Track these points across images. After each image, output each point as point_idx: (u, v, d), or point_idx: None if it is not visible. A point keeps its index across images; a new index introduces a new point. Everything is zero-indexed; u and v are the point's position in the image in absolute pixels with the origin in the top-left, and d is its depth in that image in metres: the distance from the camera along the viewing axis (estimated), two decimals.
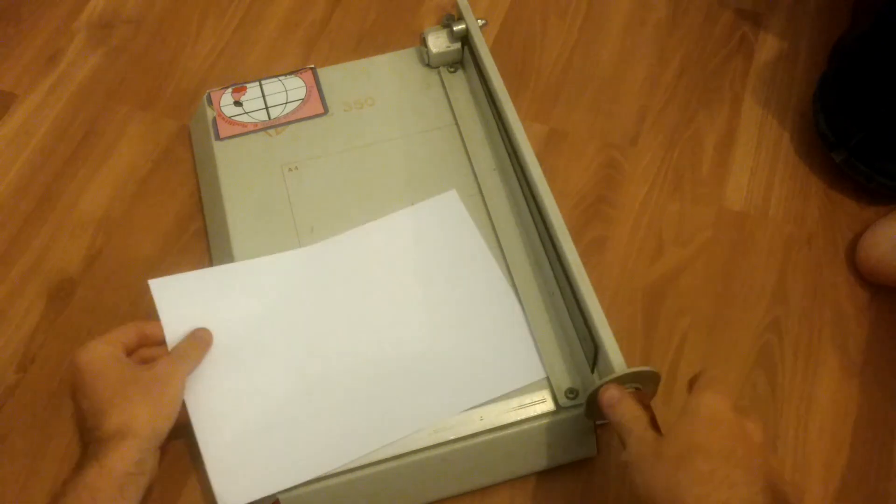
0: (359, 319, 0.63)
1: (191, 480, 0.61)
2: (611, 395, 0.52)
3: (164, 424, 0.56)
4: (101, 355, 0.57)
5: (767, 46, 0.81)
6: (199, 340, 0.60)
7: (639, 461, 0.48)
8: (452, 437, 0.57)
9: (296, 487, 0.56)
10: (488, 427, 0.58)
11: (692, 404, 0.48)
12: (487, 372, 0.60)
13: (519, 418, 0.58)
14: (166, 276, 0.63)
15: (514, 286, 0.64)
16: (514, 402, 0.59)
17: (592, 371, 0.58)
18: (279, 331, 0.62)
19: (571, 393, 0.58)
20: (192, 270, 0.64)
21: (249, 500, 0.55)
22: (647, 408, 0.51)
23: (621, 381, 0.53)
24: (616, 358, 0.54)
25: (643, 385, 0.53)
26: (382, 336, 0.62)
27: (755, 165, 0.75)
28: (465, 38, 0.73)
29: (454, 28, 0.72)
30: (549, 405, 0.58)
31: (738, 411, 0.48)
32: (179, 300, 0.62)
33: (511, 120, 0.65)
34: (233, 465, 0.57)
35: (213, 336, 0.61)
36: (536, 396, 0.59)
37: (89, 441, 0.55)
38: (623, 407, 0.51)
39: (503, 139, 0.68)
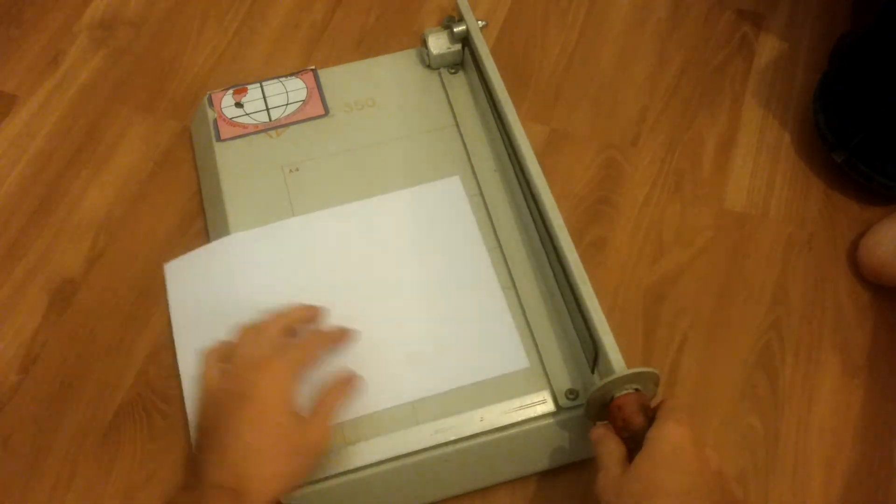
0: (353, 290, 0.64)
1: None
2: (596, 433, 0.53)
3: (287, 492, 0.52)
4: (281, 391, 0.52)
5: (768, 47, 0.81)
6: (350, 392, 0.57)
7: (603, 495, 0.50)
8: (453, 438, 0.57)
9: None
10: (489, 428, 0.58)
11: (653, 438, 0.49)
12: (469, 355, 0.61)
13: (519, 419, 0.58)
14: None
15: (514, 286, 0.64)
16: (515, 402, 0.59)
17: (593, 372, 0.58)
18: (278, 299, 0.61)
19: (572, 394, 0.58)
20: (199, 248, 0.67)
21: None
22: (640, 418, 0.52)
23: (621, 382, 0.53)
24: (616, 359, 0.54)
25: (643, 386, 0.53)
26: (373, 309, 0.63)
27: (756, 166, 0.75)
28: (465, 40, 0.73)
29: (454, 29, 0.72)
30: (549, 406, 0.58)
31: (697, 440, 0.49)
32: (188, 280, 0.65)
33: (511, 121, 0.65)
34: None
35: (218, 309, 0.60)
36: (537, 397, 0.59)
37: (206, 472, 0.50)
38: (603, 443, 0.52)
39: (503, 140, 0.68)
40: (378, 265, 0.65)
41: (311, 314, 0.60)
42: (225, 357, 0.56)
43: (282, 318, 0.57)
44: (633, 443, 0.51)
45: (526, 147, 0.63)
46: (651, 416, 0.52)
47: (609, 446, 0.52)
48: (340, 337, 0.60)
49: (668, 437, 0.49)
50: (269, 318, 0.57)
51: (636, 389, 0.53)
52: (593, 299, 0.56)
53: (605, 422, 0.55)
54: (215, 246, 0.67)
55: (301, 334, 0.58)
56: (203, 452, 0.52)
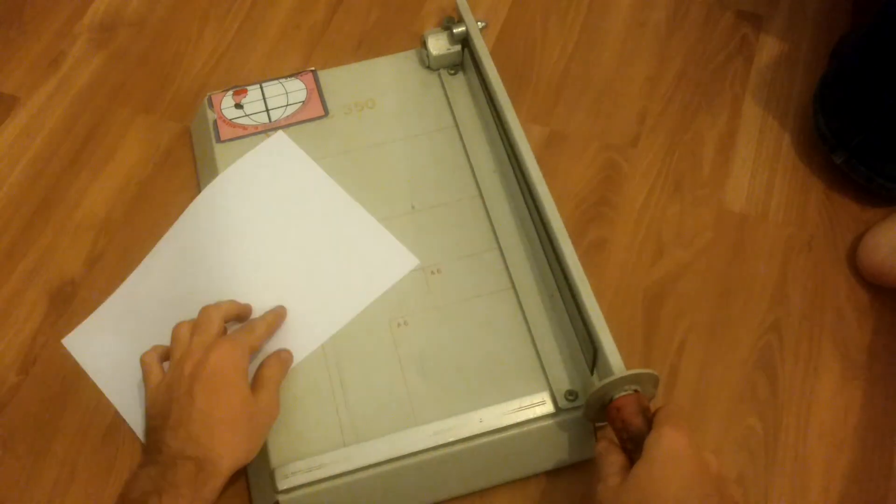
0: (239, 270, 0.65)
1: None
2: (600, 446, 0.53)
3: (245, 462, 0.54)
4: (234, 365, 0.55)
5: (768, 48, 0.81)
6: (285, 363, 0.60)
7: (604, 496, 0.50)
8: (452, 439, 0.57)
9: (292, 489, 0.56)
10: (488, 429, 0.58)
11: (650, 445, 0.49)
12: (364, 273, 0.65)
13: (518, 420, 0.58)
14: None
15: (513, 287, 0.64)
16: (514, 403, 0.59)
17: (592, 373, 0.58)
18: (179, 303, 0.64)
19: (571, 395, 0.58)
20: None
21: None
22: (640, 421, 0.52)
23: (620, 383, 0.53)
24: (615, 360, 0.54)
25: (642, 387, 0.53)
26: (267, 278, 0.65)
27: (755, 167, 0.75)
28: (465, 41, 0.73)
29: (454, 30, 0.72)
30: (548, 407, 0.58)
31: (695, 445, 0.49)
32: (92, 344, 0.67)
33: (511, 122, 0.65)
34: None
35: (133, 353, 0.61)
36: (536, 398, 0.59)
37: (167, 445, 0.52)
38: (605, 456, 0.52)
39: (503, 141, 0.68)
40: (250, 238, 0.67)
41: (244, 311, 0.61)
42: (164, 356, 0.58)
43: (216, 309, 0.59)
44: (633, 444, 0.51)
45: (525, 148, 0.64)
46: (650, 417, 0.52)
47: (610, 458, 0.52)
48: (277, 318, 0.62)
49: (666, 443, 0.49)
50: (204, 312, 0.59)
51: (635, 390, 0.53)
52: (592, 300, 0.56)
53: (605, 424, 0.55)
54: (100, 311, 0.67)
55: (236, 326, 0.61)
56: (160, 432, 0.53)
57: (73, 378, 0.65)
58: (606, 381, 0.53)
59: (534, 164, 0.63)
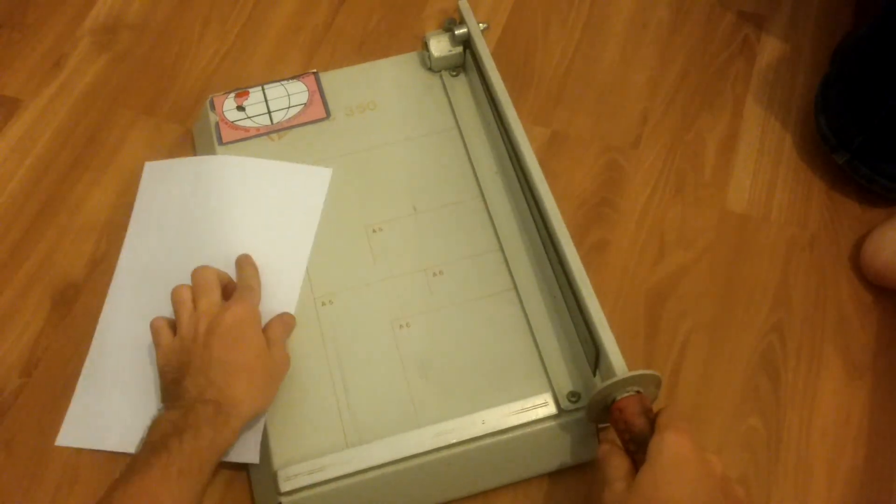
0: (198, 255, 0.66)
1: None
2: (602, 449, 0.53)
3: (262, 410, 0.56)
4: (250, 320, 0.57)
5: (769, 49, 0.81)
6: (288, 324, 0.61)
7: (610, 500, 0.50)
8: (454, 441, 0.57)
9: (295, 491, 0.56)
10: (490, 430, 0.58)
11: (653, 449, 0.49)
12: (296, 209, 0.67)
13: (521, 422, 0.58)
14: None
15: (515, 288, 0.64)
16: (517, 405, 0.59)
17: (594, 374, 0.58)
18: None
19: (573, 396, 0.58)
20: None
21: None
22: (641, 426, 0.52)
23: (622, 384, 0.53)
24: (617, 361, 0.54)
25: (644, 388, 0.53)
26: (222, 254, 0.65)
27: (757, 168, 0.75)
28: (466, 42, 0.73)
29: (456, 32, 0.72)
30: (551, 408, 0.58)
31: (698, 447, 0.49)
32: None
33: (512, 123, 0.65)
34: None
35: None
36: (538, 399, 0.59)
37: (187, 391, 0.54)
38: (608, 459, 0.52)
39: (505, 142, 0.68)
40: (227, 230, 0.67)
41: (227, 277, 0.63)
42: (171, 323, 0.60)
43: (209, 270, 0.60)
44: (635, 445, 0.51)
45: (527, 149, 0.64)
46: (653, 418, 0.52)
47: (614, 462, 0.52)
48: (254, 269, 0.64)
49: (669, 446, 0.49)
50: (200, 274, 0.60)
51: (637, 391, 0.53)
52: (594, 301, 0.56)
53: (608, 425, 0.55)
54: (77, 394, 0.66)
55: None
56: (178, 382, 0.55)
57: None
58: (608, 382, 0.53)
59: (535, 165, 0.63)
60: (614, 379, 0.52)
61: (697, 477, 0.48)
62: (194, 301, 0.59)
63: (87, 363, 0.65)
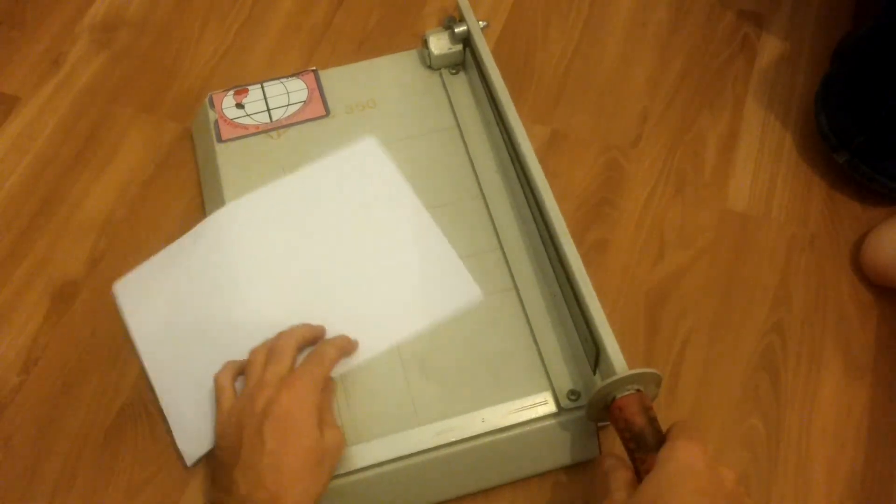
0: (302, 265, 0.65)
1: (193, 480, 0.61)
2: (606, 462, 0.52)
3: (314, 501, 0.53)
4: (305, 406, 0.54)
5: (770, 47, 0.81)
6: (332, 391, 0.59)
7: None
8: (455, 439, 0.57)
9: None
10: (490, 429, 0.58)
11: (663, 456, 0.48)
12: (425, 298, 0.63)
13: (521, 420, 0.58)
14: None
15: (515, 287, 0.64)
16: (517, 403, 0.59)
17: (594, 373, 0.58)
18: (225, 286, 0.65)
19: (573, 395, 0.58)
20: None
21: (209, 448, 0.59)
22: (644, 425, 0.51)
23: (622, 382, 0.53)
24: (617, 359, 0.54)
25: (644, 387, 0.53)
26: (326, 278, 0.64)
27: (757, 167, 0.75)
28: (466, 40, 0.73)
29: (455, 30, 0.72)
30: (550, 407, 0.58)
31: (710, 458, 0.47)
32: (139, 293, 0.66)
33: (512, 122, 0.65)
34: (191, 420, 0.60)
35: (168, 310, 0.63)
36: (538, 398, 0.59)
37: (237, 485, 0.52)
38: (611, 472, 0.51)
39: (505, 141, 0.68)
40: (320, 236, 0.66)
41: (317, 334, 0.61)
42: (236, 376, 0.59)
43: (291, 336, 0.59)
44: (636, 443, 0.51)
45: (527, 147, 0.63)
46: (653, 417, 0.52)
47: (617, 475, 0.50)
48: (350, 347, 0.61)
49: (679, 455, 0.47)
50: (280, 337, 0.59)
51: (638, 390, 0.53)
52: (594, 300, 0.56)
53: (608, 424, 0.55)
54: (158, 257, 0.67)
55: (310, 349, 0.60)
56: (230, 470, 0.53)
57: (75, 379, 0.65)
58: (608, 381, 0.53)
59: (535, 163, 0.63)
60: (614, 377, 0.52)
61: (706, 488, 0.46)
62: (266, 365, 0.57)
63: (175, 245, 0.66)
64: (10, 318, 0.68)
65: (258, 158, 0.70)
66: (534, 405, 0.58)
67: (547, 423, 0.58)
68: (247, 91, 0.74)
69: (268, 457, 0.52)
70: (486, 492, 0.60)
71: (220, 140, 0.71)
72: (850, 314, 0.67)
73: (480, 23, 0.72)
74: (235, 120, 0.72)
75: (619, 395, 0.53)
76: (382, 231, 0.66)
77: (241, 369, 0.59)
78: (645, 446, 0.50)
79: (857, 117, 0.69)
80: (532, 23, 0.84)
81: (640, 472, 0.50)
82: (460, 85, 0.74)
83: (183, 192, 0.74)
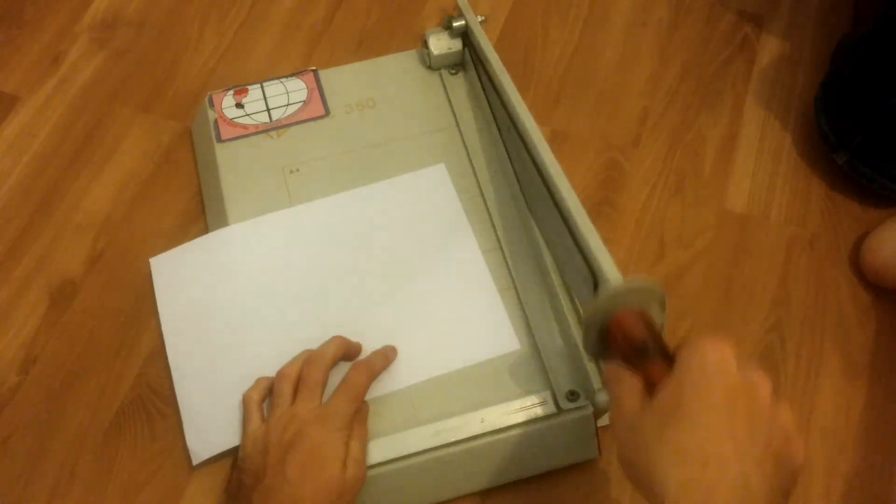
0: (344, 283, 0.64)
1: (192, 481, 0.61)
2: (609, 369, 0.46)
3: None
4: (330, 446, 0.52)
5: (769, 48, 0.81)
6: (364, 421, 0.58)
7: (618, 433, 0.42)
8: (454, 439, 0.57)
9: None
10: (489, 429, 0.58)
11: (684, 356, 0.40)
12: (462, 339, 0.61)
13: (520, 420, 0.58)
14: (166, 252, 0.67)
15: (514, 287, 0.64)
16: (516, 403, 0.58)
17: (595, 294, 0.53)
18: (265, 291, 0.64)
19: (573, 395, 0.58)
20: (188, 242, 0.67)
21: (218, 452, 0.59)
22: (650, 347, 0.44)
23: (621, 298, 0.48)
24: (611, 271, 0.50)
25: (647, 307, 0.49)
26: (367, 300, 0.63)
27: (757, 167, 0.75)
28: (465, 38, 0.73)
29: (454, 24, 0.72)
30: (550, 407, 0.58)
31: (742, 360, 0.39)
32: (175, 274, 0.65)
33: (516, 105, 0.63)
34: (205, 420, 0.60)
35: (193, 302, 0.62)
36: (538, 398, 0.59)
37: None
38: (616, 380, 0.45)
39: (504, 140, 0.68)
40: (368, 255, 0.65)
41: (351, 352, 0.60)
42: (266, 396, 0.58)
43: (323, 361, 0.57)
44: (638, 357, 0.45)
45: (532, 126, 0.61)
46: (657, 331, 0.45)
47: (624, 381, 0.43)
48: (385, 361, 0.60)
49: (706, 352, 0.39)
50: (312, 363, 0.57)
51: (642, 311, 0.48)
52: (583, 217, 0.54)
53: (607, 412, 0.53)
54: (204, 240, 0.67)
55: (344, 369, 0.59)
56: (248, 492, 0.53)
57: (74, 378, 0.65)
58: (604, 295, 0.47)
59: (540, 138, 0.60)
60: (611, 291, 0.48)
61: (736, 397, 0.37)
62: (295, 394, 0.56)
63: (221, 231, 0.66)
64: (9, 317, 0.68)
65: (258, 158, 0.70)
66: (533, 405, 0.58)
67: (546, 423, 0.58)
68: (246, 91, 0.74)
69: (289, 486, 0.51)
70: (485, 492, 0.60)
71: (219, 140, 0.71)
72: (849, 315, 0.67)
73: (479, 17, 0.72)
74: (235, 120, 0.72)
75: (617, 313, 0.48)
76: (434, 262, 0.65)
77: (270, 389, 0.58)
78: (648, 354, 0.44)
79: (857, 118, 0.69)
80: (532, 23, 0.84)
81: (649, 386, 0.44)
82: (460, 85, 0.74)
83: (182, 191, 0.74)
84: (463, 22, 0.72)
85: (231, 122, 0.72)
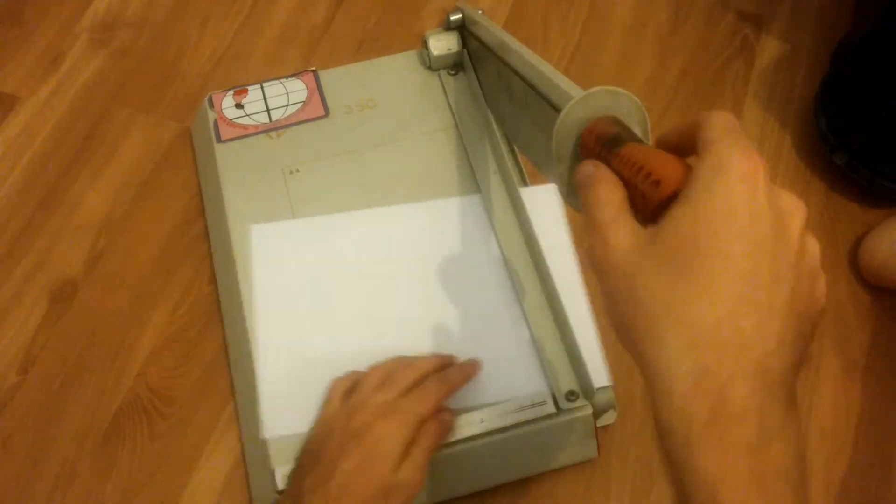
0: (396, 291, 0.64)
1: (192, 480, 0.61)
2: (582, 170, 0.35)
3: None
4: (395, 442, 0.52)
5: (769, 49, 0.81)
6: (442, 430, 0.56)
7: (608, 276, 0.32)
8: (453, 440, 0.57)
9: None
10: (489, 429, 0.58)
11: (706, 168, 0.31)
12: (494, 376, 0.60)
13: (519, 420, 0.58)
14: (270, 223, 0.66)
15: (513, 287, 0.64)
16: (515, 404, 0.58)
17: None
18: (344, 285, 0.64)
19: (572, 395, 0.58)
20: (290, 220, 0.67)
21: (290, 433, 0.58)
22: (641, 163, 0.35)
23: (593, 100, 0.40)
24: (575, 88, 0.43)
25: (627, 121, 0.40)
26: (403, 318, 0.63)
27: None
28: (465, 39, 0.73)
29: (451, 17, 0.71)
30: (549, 408, 0.58)
31: (769, 179, 0.31)
32: (277, 247, 0.65)
33: (532, 59, 0.58)
34: (285, 398, 0.59)
35: (291, 280, 0.62)
36: (537, 399, 0.59)
37: (303, 488, 0.52)
38: (593, 185, 0.34)
39: (504, 140, 0.68)
40: (417, 273, 0.65)
41: (443, 364, 0.59)
42: (351, 390, 0.57)
43: (414, 370, 0.57)
44: (608, 147, 0.37)
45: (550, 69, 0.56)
46: (628, 133, 0.36)
47: (601, 187, 0.33)
48: (464, 380, 0.59)
49: (731, 167, 0.30)
50: (405, 366, 0.57)
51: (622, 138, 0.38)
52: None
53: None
54: (308, 222, 0.67)
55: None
56: (302, 478, 0.53)
57: (74, 378, 0.65)
58: (571, 102, 0.39)
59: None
60: (576, 97, 0.40)
61: (764, 234, 0.30)
62: (377, 388, 0.56)
63: (329, 218, 0.66)
64: (9, 317, 0.68)
65: (257, 159, 0.70)
66: (532, 406, 0.58)
67: (546, 423, 0.58)
68: (246, 91, 0.74)
69: (341, 474, 0.51)
70: (484, 492, 0.60)
71: (219, 140, 0.71)
72: (847, 315, 0.67)
73: (478, 11, 0.72)
74: (235, 120, 0.72)
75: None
76: (477, 292, 0.64)
77: (357, 382, 0.58)
78: (622, 140, 0.36)
79: (857, 119, 0.69)
80: (532, 23, 0.84)
81: (633, 187, 0.35)
82: (459, 86, 0.74)
83: (182, 191, 0.74)
84: (459, 16, 0.72)
85: (231, 123, 0.72)
